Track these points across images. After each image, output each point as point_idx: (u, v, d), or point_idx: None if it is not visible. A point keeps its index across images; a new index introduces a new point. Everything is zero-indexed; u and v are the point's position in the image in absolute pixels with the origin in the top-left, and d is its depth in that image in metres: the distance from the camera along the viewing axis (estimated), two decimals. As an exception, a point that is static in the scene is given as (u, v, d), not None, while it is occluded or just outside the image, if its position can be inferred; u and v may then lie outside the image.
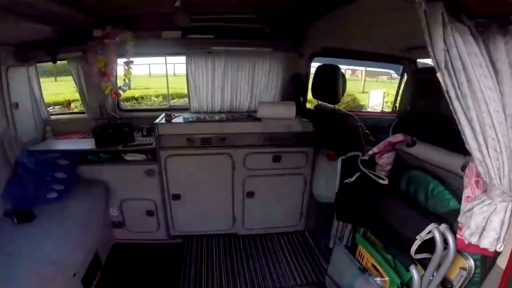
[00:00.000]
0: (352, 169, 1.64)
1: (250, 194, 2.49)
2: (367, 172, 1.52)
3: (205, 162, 2.36)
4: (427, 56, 2.87)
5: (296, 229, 2.70)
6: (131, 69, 2.43)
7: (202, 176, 2.41)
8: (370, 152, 1.63)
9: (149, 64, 9.35)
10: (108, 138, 2.38)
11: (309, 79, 2.86)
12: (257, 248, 2.52)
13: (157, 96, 7.30)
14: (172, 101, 7.02)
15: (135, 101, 7.06)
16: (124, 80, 2.46)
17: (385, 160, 1.70)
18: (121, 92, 2.52)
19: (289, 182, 2.51)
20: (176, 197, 2.42)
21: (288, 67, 2.72)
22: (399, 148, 1.62)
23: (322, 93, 2.41)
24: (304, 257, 2.41)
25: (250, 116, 2.53)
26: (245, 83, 2.70)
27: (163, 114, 2.41)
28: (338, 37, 2.43)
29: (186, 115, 2.51)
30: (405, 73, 3.04)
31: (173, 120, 2.36)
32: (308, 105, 3.00)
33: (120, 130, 2.44)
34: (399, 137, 1.56)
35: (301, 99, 2.83)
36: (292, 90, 2.83)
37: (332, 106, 2.41)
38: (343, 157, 1.69)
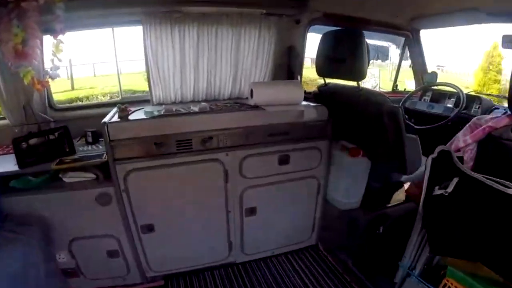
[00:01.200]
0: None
1: (251, 211, 1.78)
2: (481, 178, 0.88)
3: (185, 175, 1.59)
4: (432, 26, 2.49)
5: (309, 244, 2.05)
6: (61, 44, 1.53)
7: (182, 195, 1.64)
8: (462, 144, 1.00)
9: (93, 64, 8.28)
10: (35, 153, 1.52)
11: (304, 54, 2.18)
12: (265, 277, 1.85)
13: (104, 95, 6.11)
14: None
15: (80, 102, 5.93)
16: (52, 60, 1.56)
17: (469, 155, 1.08)
18: (49, 80, 1.62)
19: (299, 188, 1.85)
20: (148, 228, 1.64)
21: (282, 39, 2.00)
22: (499, 136, 1.01)
23: (336, 68, 1.72)
24: (327, 280, 1.78)
25: (241, 104, 1.77)
26: (227, 62, 1.94)
27: (115, 108, 1.57)
28: (341, 1, 1.85)
29: (148, 108, 1.69)
30: (407, 47, 2.55)
31: (131, 116, 1.53)
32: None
33: (52, 139, 1.56)
34: (503, 120, 0.95)
35: (298, 78, 2.14)
36: (287, 68, 2.11)
37: (350, 84, 1.75)
38: (434, 156, 1.03)
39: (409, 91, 2.57)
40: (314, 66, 1.87)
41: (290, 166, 1.75)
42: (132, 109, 1.63)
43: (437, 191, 1.03)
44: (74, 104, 2.05)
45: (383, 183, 1.87)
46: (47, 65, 1.63)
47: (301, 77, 2.16)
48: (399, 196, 1.97)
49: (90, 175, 1.54)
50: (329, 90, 1.93)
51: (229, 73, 1.95)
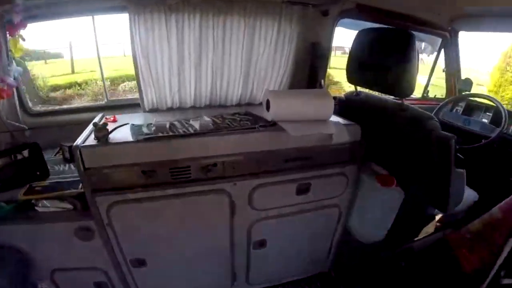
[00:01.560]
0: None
1: (260, 244, 1.50)
2: None
3: (181, 208, 1.29)
4: (474, 28, 1.77)
5: (320, 271, 1.80)
6: (19, 41, 1.16)
7: (179, 230, 1.34)
8: None
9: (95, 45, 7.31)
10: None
11: (331, 53, 1.80)
12: None
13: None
14: (122, 84, 5.39)
15: (79, 87, 5.34)
16: (12, 59, 1.20)
17: None
18: (9, 83, 1.26)
19: (317, 218, 1.55)
20: (139, 262, 1.35)
21: (305, 33, 1.60)
22: None
23: (375, 77, 1.35)
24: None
25: (254, 117, 1.40)
26: (236, 60, 1.57)
27: (91, 126, 1.21)
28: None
29: (137, 119, 1.35)
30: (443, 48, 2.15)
31: (113, 134, 1.17)
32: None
33: (20, 159, 1.26)
34: None
35: (322, 82, 1.76)
36: (308, 69, 1.73)
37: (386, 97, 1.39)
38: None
39: (439, 98, 2.21)
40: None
41: (310, 195, 1.43)
42: (113, 124, 1.27)
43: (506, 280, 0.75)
44: (51, 108, 1.69)
45: (415, 216, 1.57)
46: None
47: (324, 80, 1.77)
48: (429, 228, 1.69)
49: (67, 205, 1.23)
50: (360, 101, 1.57)
51: (239, 74, 1.57)
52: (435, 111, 2.01)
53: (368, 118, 1.44)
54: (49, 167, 1.32)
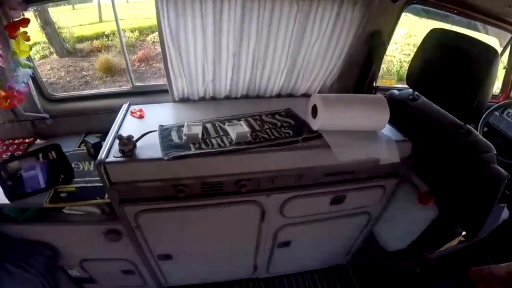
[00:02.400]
0: None
1: (284, 244, 1.47)
2: None
3: (211, 217, 1.23)
4: None
5: (337, 263, 1.81)
6: (23, 39, 0.98)
7: (207, 234, 1.31)
8: None
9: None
10: (23, 181, 1.13)
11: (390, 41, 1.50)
12: None
13: (132, 31, 4.96)
14: (151, 35, 4.72)
15: (106, 39, 4.77)
16: (18, 62, 1.04)
17: None
18: (20, 89, 1.12)
19: (346, 224, 1.48)
20: (166, 257, 1.38)
21: (367, 22, 1.30)
22: None
23: (442, 90, 1.12)
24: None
25: (297, 126, 1.22)
26: (283, 50, 1.32)
27: (117, 136, 1.03)
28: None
29: (166, 113, 1.27)
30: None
31: (141, 145, 1.04)
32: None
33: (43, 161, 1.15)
34: None
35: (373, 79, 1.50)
36: (363, 61, 1.45)
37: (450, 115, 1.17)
38: None
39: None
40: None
41: (344, 205, 1.33)
42: (139, 121, 1.15)
43: None
44: (76, 94, 1.50)
45: (442, 232, 1.47)
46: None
47: (377, 76, 1.50)
48: (452, 243, 1.60)
49: (94, 210, 1.18)
50: (415, 106, 1.34)
51: (283, 66, 1.35)
52: (484, 115, 1.73)
53: (421, 128, 1.26)
54: (73, 164, 1.24)
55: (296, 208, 1.28)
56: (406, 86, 1.35)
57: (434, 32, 1.15)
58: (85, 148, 1.34)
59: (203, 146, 1.05)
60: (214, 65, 1.28)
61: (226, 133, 1.13)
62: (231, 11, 1.13)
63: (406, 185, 1.36)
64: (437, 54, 1.14)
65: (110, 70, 4.34)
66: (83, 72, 4.37)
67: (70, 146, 1.37)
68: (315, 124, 1.15)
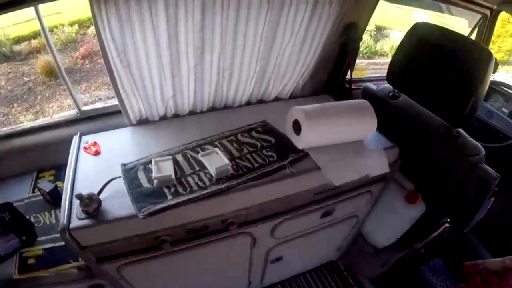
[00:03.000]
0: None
1: (277, 259, 1.37)
2: None
3: (200, 256, 1.06)
4: None
5: (328, 260, 1.79)
6: None
7: (197, 270, 1.15)
8: None
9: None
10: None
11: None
12: None
13: (71, 24, 4.25)
14: (92, 27, 3.92)
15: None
16: None
17: None
18: None
19: (335, 229, 1.40)
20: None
21: (343, 15, 1.14)
22: None
23: (429, 92, 1.03)
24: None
25: (274, 138, 1.08)
26: (252, 54, 1.12)
27: (76, 195, 0.81)
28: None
29: (126, 143, 1.05)
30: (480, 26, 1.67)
31: (104, 195, 0.83)
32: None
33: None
34: None
35: (348, 74, 1.38)
36: (336, 55, 1.31)
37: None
38: None
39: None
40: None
41: (334, 215, 1.25)
42: (94, 158, 0.92)
43: None
44: (12, 129, 1.17)
45: (429, 224, 1.49)
46: None
47: (352, 70, 1.37)
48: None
49: (70, 271, 0.96)
50: (396, 105, 1.25)
51: (253, 72, 1.15)
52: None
53: (405, 130, 1.20)
54: (31, 218, 1.01)
55: (287, 228, 1.17)
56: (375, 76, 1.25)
57: (417, 26, 1.03)
58: (39, 193, 1.07)
59: (179, 189, 0.86)
60: (173, 79, 1.05)
61: (203, 167, 0.94)
62: (189, 14, 0.90)
63: (391, 184, 1.31)
64: (421, 51, 1.03)
65: (53, 72, 3.77)
66: (25, 78, 3.81)
67: (22, 193, 1.12)
68: (300, 143, 1.00)
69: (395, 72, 1.17)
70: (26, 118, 3.43)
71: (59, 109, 3.59)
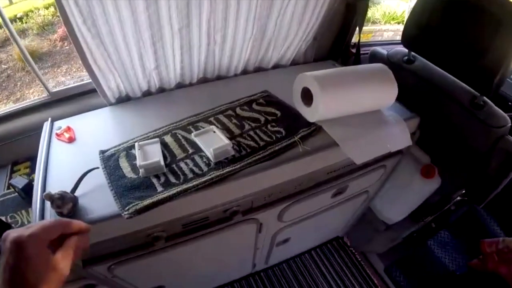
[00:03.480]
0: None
1: (284, 241, 1.27)
2: None
3: (200, 248, 0.93)
4: None
5: (334, 236, 1.70)
6: None
7: (198, 260, 1.03)
8: None
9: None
10: None
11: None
12: (287, 279, 1.54)
13: (47, 7, 3.89)
14: None
15: (20, 22, 3.72)
16: None
17: None
18: None
19: (346, 207, 1.29)
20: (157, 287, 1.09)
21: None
22: None
23: (453, 56, 0.87)
24: (351, 277, 1.55)
25: (279, 110, 0.92)
26: (248, 16, 0.91)
27: (44, 194, 0.61)
28: None
29: (105, 127, 0.86)
30: None
31: (81, 191, 0.66)
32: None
33: None
34: None
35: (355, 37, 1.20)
36: (344, 16, 1.12)
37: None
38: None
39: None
40: None
41: (346, 193, 1.12)
42: (68, 146, 0.75)
43: None
44: None
45: (442, 198, 1.38)
46: None
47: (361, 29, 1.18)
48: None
49: None
50: (411, 70, 1.08)
51: (249, 35, 0.95)
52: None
53: (424, 97, 1.05)
54: (8, 219, 0.87)
55: (296, 211, 1.04)
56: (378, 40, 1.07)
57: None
58: (12, 190, 0.91)
59: (171, 178, 0.70)
60: (154, 47, 0.85)
61: (197, 149, 0.77)
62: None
63: (409, 163, 1.18)
64: (446, 7, 0.85)
65: (31, 57, 3.49)
66: (3, 66, 3.63)
67: None
68: (312, 115, 0.84)
69: (412, 32, 1.00)
70: (7, 107, 3.20)
71: (41, 93, 3.37)
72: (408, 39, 1.02)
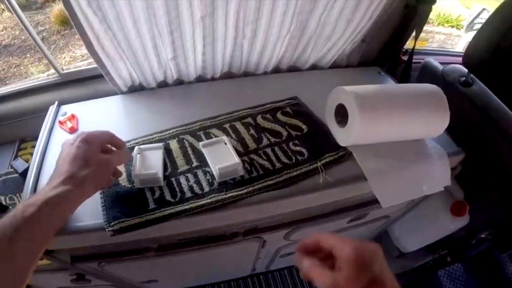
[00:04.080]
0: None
1: (289, 254, 1.17)
2: None
3: (195, 258, 0.85)
4: None
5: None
6: None
7: (193, 267, 0.96)
8: None
9: None
10: None
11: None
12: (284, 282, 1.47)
13: None
14: None
15: None
16: None
17: None
18: None
19: (360, 229, 1.16)
20: (151, 281, 1.06)
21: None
22: None
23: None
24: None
25: (306, 125, 0.78)
26: (287, 8, 0.73)
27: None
28: None
29: (110, 117, 0.76)
30: None
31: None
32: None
33: None
34: None
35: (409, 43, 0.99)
36: (400, 19, 0.91)
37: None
38: None
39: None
40: None
41: (364, 219, 0.99)
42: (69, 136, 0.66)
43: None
44: None
45: (466, 236, 1.21)
46: None
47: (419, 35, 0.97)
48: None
49: (43, 262, 0.78)
50: (469, 97, 0.88)
51: (286, 31, 0.78)
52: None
53: (470, 126, 0.86)
54: (7, 200, 0.85)
55: (306, 233, 0.92)
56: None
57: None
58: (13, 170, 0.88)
59: (166, 195, 0.60)
60: (171, 35, 0.72)
61: (203, 162, 0.66)
62: None
63: (439, 197, 1.01)
64: None
65: (67, 22, 3.52)
66: (39, 27, 3.59)
67: (1, 166, 0.94)
68: (344, 138, 0.70)
69: (476, 53, 0.80)
70: (37, 70, 3.24)
71: (72, 60, 3.36)
72: (470, 60, 0.83)
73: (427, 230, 1.12)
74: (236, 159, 0.63)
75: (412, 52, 1.00)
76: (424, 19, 0.91)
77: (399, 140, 0.73)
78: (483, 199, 0.98)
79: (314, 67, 1.00)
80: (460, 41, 3.48)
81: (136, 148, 0.65)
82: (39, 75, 3.10)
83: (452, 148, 0.78)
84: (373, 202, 0.85)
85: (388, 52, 1.04)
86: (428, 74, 1.01)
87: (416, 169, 0.71)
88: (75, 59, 3.33)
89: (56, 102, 0.78)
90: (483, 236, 1.24)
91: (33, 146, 0.93)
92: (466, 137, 0.80)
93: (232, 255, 0.92)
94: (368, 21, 0.83)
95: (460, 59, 1.06)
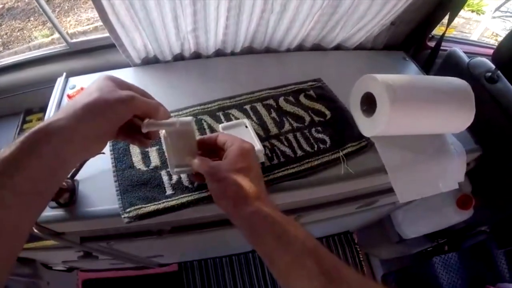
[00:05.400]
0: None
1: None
2: None
3: (203, 238, 0.87)
4: None
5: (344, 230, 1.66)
6: None
7: (198, 246, 0.99)
8: None
9: None
10: None
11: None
12: None
13: None
14: None
15: None
16: None
17: None
18: None
19: (367, 214, 1.20)
20: (158, 255, 1.10)
21: None
22: None
23: None
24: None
25: (330, 109, 0.74)
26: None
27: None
28: None
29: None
30: None
31: (87, 177, 0.57)
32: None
33: None
34: None
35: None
36: (422, 18, 0.86)
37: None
38: None
39: None
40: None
41: (373, 205, 1.01)
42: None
43: None
44: None
45: (467, 227, 1.25)
46: None
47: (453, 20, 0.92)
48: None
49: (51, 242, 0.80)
50: (492, 93, 0.87)
51: (318, 7, 0.74)
52: None
53: (489, 123, 0.84)
54: None
55: (313, 217, 0.94)
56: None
57: None
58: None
59: (184, 181, 0.59)
60: (194, 7, 0.67)
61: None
62: None
63: (446, 194, 1.02)
64: None
65: None
66: None
67: (6, 138, 0.90)
68: (369, 128, 0.68)
69: (507, 50, 0.76)
70: (41, 34, 3.06)
71: (77, 23, 3.16)
72: (500, 56, 0.79)
73: (431, 219, 1.15)
74: (258, 145, 0.62)
75: (441, 39, 0.96)
76: (461, 4, 0.86)
77: (422, 133, 0.72)
78: (490, 195, 1.00)
79: (338, 47, 0.95)
80: (478, 27, 3.34)
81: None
82: (43, 40, 2.94)
83: (470, 145, 0.77)
84: (386, 191, 0.86)
85: (415, 37, 0.99)
86: (453, 64, 0.97)
87: (435, 165, 0.71)
88: (80, 22, 3.14)
89: (64, 74, 0.74)
90: (482, 229, 1.30)
91: (39, 119, 0.91)
92: (484, 134, 0.79)
93: (239, 234, 0.94)
94: (404, 4, 0.77)
95: (482, 49, 1.03)
